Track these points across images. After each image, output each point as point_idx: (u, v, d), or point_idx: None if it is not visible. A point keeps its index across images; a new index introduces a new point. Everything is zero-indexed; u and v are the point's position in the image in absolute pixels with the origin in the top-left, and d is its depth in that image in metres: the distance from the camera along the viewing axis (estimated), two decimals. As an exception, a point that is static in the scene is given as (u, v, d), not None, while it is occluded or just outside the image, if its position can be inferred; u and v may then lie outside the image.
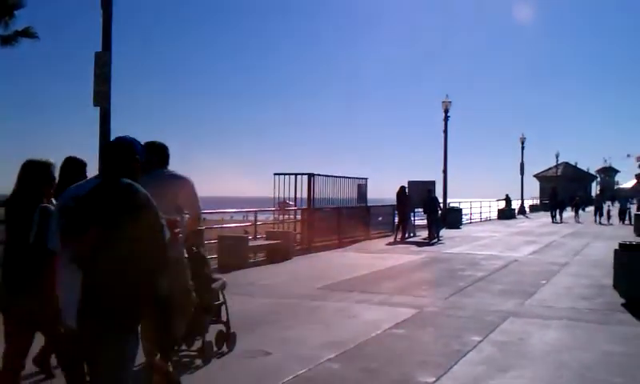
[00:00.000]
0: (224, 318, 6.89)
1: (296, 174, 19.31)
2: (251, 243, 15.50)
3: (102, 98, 11.92)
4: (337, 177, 21.25)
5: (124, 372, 3.43)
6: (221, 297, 6.90)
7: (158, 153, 5.42)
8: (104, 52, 12.05)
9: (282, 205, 19.72)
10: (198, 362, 6.40)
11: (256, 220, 17.86)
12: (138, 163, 3.69)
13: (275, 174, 19.19)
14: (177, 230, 4.75)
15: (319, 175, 20.04)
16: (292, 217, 19.93)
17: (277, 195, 19.04)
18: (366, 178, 23.51)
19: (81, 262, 3.31)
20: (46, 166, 4.69)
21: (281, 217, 19.63)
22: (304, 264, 15.36)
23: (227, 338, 6.87)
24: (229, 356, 6.71)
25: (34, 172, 4.63)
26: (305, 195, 19.47)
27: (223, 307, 6.90)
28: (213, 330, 6.75)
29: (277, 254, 15.53)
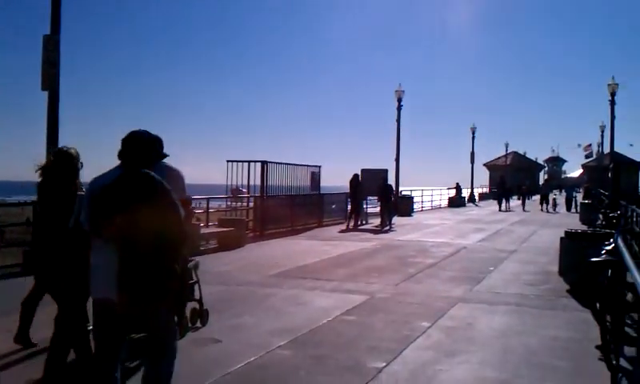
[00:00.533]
0: (197, 296, 7.33)
1: (249, 162, 19.24)
2: (203, 231, 15.35)
3: (51, 82, 11.69)
4: (290, 164, 21.22)
5: (170, 336, 4.27)
6: (194, 276, 7.30)
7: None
8: (52, 35, 11.81)
9: (234, 192, 19.63)
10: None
11: (208, 207, 17.71)
12: (154, 154, 4.32)
13: (228, 161, 19.08)
14: (191, 207, 5.50)
15: (272, 163, 19.99)
16: (245, 204, 19.84)
17: (229, 182, 18.95)
18: (320, 166, 23.57)
19: (114, 242, 3.85)
20: (77, 157, 5.24)
21: (233, 204, 19.53)
22: (256, 251, 15.30)
23: (201, 315, 7.35)
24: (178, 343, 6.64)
25: (69, 162, 5.19)
26: (258, 182, 19.40)
27: (196, 286, 7.33)
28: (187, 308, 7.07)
29: (229, 241, 15.43)
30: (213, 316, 7.60)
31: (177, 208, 4.02)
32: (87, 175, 4.82)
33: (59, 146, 6.67)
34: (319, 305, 8.84)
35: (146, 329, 4.22)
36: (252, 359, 6.14)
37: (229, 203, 19.77)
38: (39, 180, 5.42)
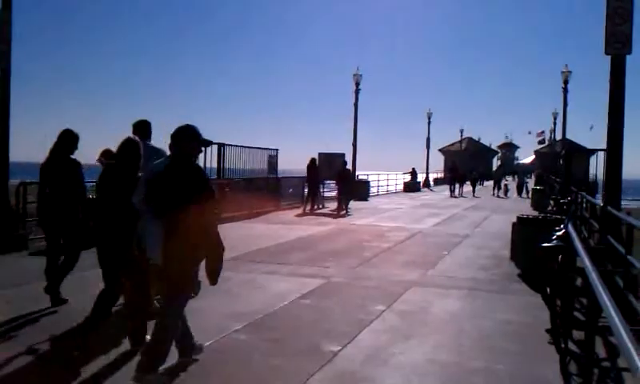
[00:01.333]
0: None
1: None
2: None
3: (1, 59, 11.38)
4: (247, 147, 21.09)
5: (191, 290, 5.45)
6: None
7: (140, 128, 7.20)
8: (3, 10, 11.47)
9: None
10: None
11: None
12: (197, 145, 5.23)
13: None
14: (226, 189, 7.06)
15: (229, 145, 19.82)
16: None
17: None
18: (277, 149, 23.48)
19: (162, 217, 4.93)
20: (139, 144, 6.05)
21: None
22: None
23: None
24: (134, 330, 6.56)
25: (136, 149, 5.98)
26: (215, 165, 19.21)
27: None
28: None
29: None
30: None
31: (213, 195, 5.17)
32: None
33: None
34: (275, 289, 8.84)
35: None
36: (208, 343, 6.10)
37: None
38: (106, 163, 6.47)
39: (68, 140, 7.48)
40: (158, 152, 6.64)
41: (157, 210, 4.98)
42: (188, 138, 5.11)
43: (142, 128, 7.31)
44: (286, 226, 17.76)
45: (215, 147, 19.15)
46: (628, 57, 9.62)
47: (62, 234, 7.58)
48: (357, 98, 34.51)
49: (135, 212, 5.35)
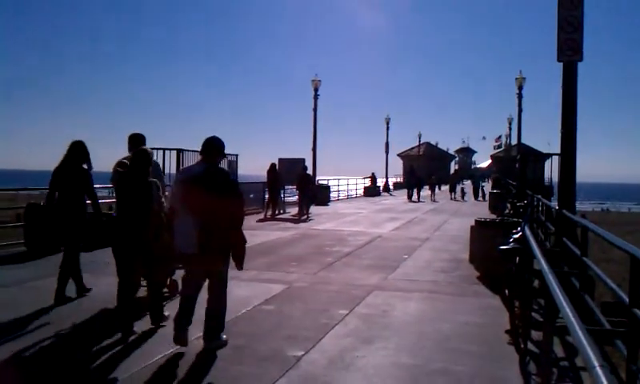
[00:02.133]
0: None
1: (164, 149, 18.82)
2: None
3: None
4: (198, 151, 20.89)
5: (226, 279, 6.47)
6: None
7: (137, 140, 8.07)
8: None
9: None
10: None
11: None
12: (223, 154, 6.54)
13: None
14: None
15: (188, 151, 19.65)
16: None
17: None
18: (237, 155, 23.36)
19: (198, 215, 5.95)
20: (150, 155, 6.95)
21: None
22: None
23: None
24: (95, 339, 6.49)
25: (147, 158, 6.83)
26: (174, 171, 19.01)
27: None
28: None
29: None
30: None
31: (241, 195, 6.44)
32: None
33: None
34: (237, 295, 8.78)
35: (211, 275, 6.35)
36: (169, 351, 6.07)
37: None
38: (120, 171, 7.28)
39: (80, 151, 8.23)
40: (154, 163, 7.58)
41: (194, 207, 5.99)
42: (219, 149, 6.33)
43: (139, 140, 8.12)
44: (247, 231, 17.41)
45: (174, 152, 18.96)
46: (580, 64, 9.91)
47: (67, 236, 8.28)
48: (316, 104, 34.65)
49: (148, 211, 6.65)
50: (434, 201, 38.20)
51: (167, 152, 18.83)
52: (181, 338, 6.16)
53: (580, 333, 2.57)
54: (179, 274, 7.68)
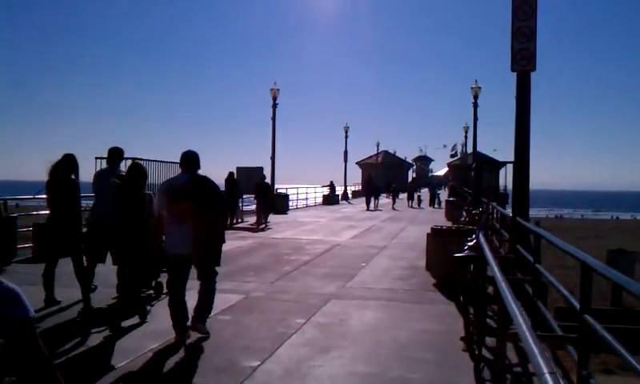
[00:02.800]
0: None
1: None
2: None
3: None
4: (163, 162, 20.66)
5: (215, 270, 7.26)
6: None
7: (115, 154, 9.42)
8: None
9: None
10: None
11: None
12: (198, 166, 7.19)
13: (97, 158, 18.25)
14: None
15: (144, 160, 19.38)
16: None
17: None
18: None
19: (188, 218, 6.63)
20: (144, 168, 7.94)
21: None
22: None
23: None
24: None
25: (143, 172, 7.80)
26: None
27: None
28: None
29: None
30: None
31: (224, 200, 7.22)
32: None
33: None
34: (193, 305, 8.68)
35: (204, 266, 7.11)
36: (123, 363, 5.96)
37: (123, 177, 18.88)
38: (118, 183, 7.73)
39: (70, 163, 8.52)
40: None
41: (180, 213, 6.74)
42: (198, 160, 7.17)
43: (117, 154, 9.40)
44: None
45: (129, 162, 18.65)
46: (534, 74, 10.10)
47: (68, 246, 8.54)
48: (274, 113, 34.55)
49: (142, 219, 7.50)
50: (394, 209, 38.22)
51: (122, 161, 18.51)
52: (184, 335, 6.92)
53: (531, 340, 2.59)
54: (163, 277, 8.45)
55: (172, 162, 20.95)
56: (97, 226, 8.65)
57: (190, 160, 7.13)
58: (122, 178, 7.83)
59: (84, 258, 8.83)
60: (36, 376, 1.86)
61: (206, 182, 6.95)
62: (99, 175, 9.46)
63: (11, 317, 1.82)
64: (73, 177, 8.52)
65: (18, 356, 1.83)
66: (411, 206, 41.17)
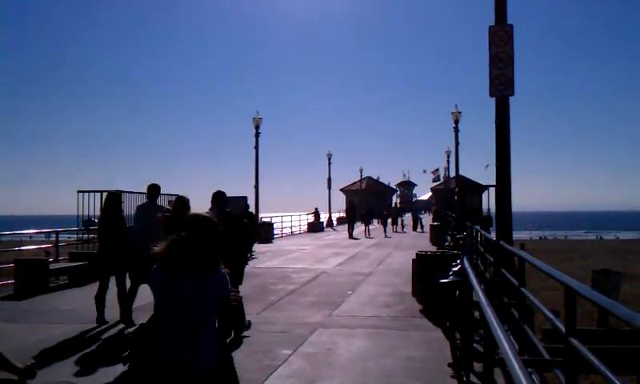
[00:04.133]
0: None
1: (101, 191, 18.40)
2: (53, 266, 14.49)
3: None
4: (145, 194, 20.55)
5: None
6: None
7: (154, 190, 10.87)
8: None
9: (87, 223, 18.69)
10: None
11: (57, 240, 16.76)
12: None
13: (79, 192, 18.16)
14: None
15: (127, 192, 19.28)
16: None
17: (81, 213, 17.99)
18: (185, 196, 22.99)
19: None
20: (188, 201, 8.78)
21: (85, 236, 18.60)
22: (111, 286, 14.62)
23: None
24: None
25: (187, 205, 8.62)
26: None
27: None
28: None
29: (81, 276, 14.62)
30: (67, 357, 7.18)
31: (250, 235, 8.98)
32: None
33: None
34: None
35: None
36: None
37: (80, 236, 18.77)
38: (167, 216, 8.84)
39: (117, 199, 10.62)
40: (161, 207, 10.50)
41: None
42: (226, 198, 8.97)
43: (157, 190, 10.89)
44: (188, 272, 17.35)
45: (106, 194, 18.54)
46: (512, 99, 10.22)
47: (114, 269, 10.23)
48: (257, 142, 34.63)
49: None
50: (387, 236, 36.31)
51: (105, 194, 18.42)
52: None
53: (517, 367, 2.59)
54: None
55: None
56: (142, 252, 8.87)
57: (219, 198, 8.90)
58: (170, 211, 8.95)
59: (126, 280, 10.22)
60: None
61: (234, 217, 8.06)
62: (143, 208, 10.81)
63: None
64: (119, 211, 10.45)
65: None
66: (396, 231, 41.58)
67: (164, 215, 9.22)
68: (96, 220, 18.77)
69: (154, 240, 8.27)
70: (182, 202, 8.78)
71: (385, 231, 39.51)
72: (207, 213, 7.97)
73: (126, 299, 10.01)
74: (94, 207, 17.90)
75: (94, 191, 18.29)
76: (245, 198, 26.90)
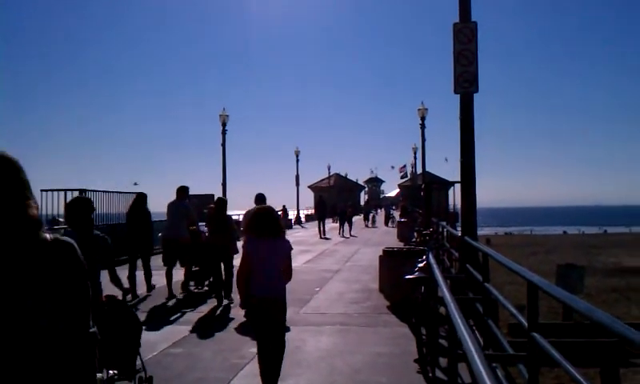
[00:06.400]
0: None
1: (65, 190, 18.13)
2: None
3: None
4: (111, 192, 20.31)
5: None
6: None
7: (183, 191, 13.25)
8: None
9: (52, 223, 18.38)
10: None
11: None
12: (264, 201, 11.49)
13: (42, 191, 17.86)
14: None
15: (92, 191, 19.02)
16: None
17: (45, 213, 17.69)
18: (146, 194, 22.75)
19: None
20: (226, 202, 12.62)
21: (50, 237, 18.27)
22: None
23: None
24: None
25: (225, 204, 12.52)
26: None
27: None
28: None
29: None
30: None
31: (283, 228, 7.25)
32: None
33: None
34: (143, 338, 8.49)
35: None
36: None
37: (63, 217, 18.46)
38: (210, 212, 12.61)
39: (143, 198, 13.37)
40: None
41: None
42: (264, 199, 11.27)
43: (186, 190, 13.30)
44: (156, 271, 17.20)
45: (76, 193, 18.28)
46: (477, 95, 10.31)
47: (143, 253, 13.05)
48: (224, 139, 34.39)
49: (229, 237, 11.75)
50: (352, 235, 33.57)
51: (69, 193, 18.16)
52: None
53: (479, 364, 2.61)
54: None
55: (119, 192, 20.58)
56: (170, 241, 12.65)
57: (263, 198, 11.27)
58: (213, 209, 12.18)
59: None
60: None
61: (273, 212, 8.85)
62: (172, 205, 12.91)
63: None
64: (146, 207, 13.30)
65: None
66: (367, 226, 42.50)
67: (210, 209, 12.61)
68: (61, 219, 18.58)
69: (180, 231, 12.46)
70: (223, 202, 12.27)
71: (341, 231, 34.53)
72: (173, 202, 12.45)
73: (169, 277, 12.43)
74: (57, 206, 17.62)
75: (58, 190, 18.02)
76: (212, 196, 26.72)
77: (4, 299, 1.86)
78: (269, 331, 5.86)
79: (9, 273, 1.89)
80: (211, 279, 12.54)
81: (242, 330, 9.11)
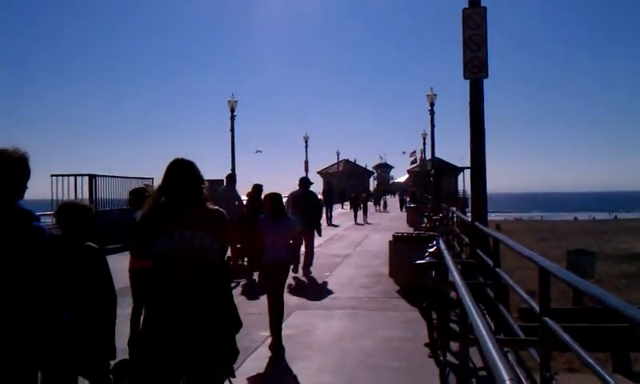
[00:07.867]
0: None
1: (75, 175, 18.22)
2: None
3: None
4: (120, 177, 20.39)
5: None
6: None
7: (231, 177, 15.05)
8: None
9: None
10: None
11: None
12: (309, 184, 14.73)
13: (52, 175, 17.96)
14: None
15: (101, 176, 19.12)
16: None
17: (55, 198, 17.78)
18: (152, 178, 22.88)
19: None
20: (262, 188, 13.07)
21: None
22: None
23: None
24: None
25: (260, 191, 12.86)
26: (86, 196, 18.41)
27: None
28: None
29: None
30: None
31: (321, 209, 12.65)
32: None
33: None
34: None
35: None
36: None
37: (54, 221, 18.58)
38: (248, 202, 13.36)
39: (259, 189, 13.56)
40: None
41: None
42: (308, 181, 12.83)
43: (234, 177, 14.94)
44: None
45: (86, 179, 18.39)
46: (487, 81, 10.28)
47: None
48: (233, 124, 34.46)
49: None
50: (368, 223, 32.06)
51: (79, 178, 18.24)
52: None
53: (491, 348, 2.62)
54: None
55: (128, 177, 20.66)
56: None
57: (305, 181, 13.55)
58: (252, 193, 13.23)
59: None
60: None
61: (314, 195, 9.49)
62: (226, 190, 14.03)
63: None
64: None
65: None
66: (379, 211, 43.11)
67: (249, 194, 13.59)
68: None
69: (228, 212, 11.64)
70: (259, 187, 13.11)
71: (365, 217, 33.65)
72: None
73: None
74: (67, 191, 17.72)
75: (68, 175, 18.11)
76: (222, 182, 26.78)
77: None
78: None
79: None
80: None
81: (252, 314, 9.18)
